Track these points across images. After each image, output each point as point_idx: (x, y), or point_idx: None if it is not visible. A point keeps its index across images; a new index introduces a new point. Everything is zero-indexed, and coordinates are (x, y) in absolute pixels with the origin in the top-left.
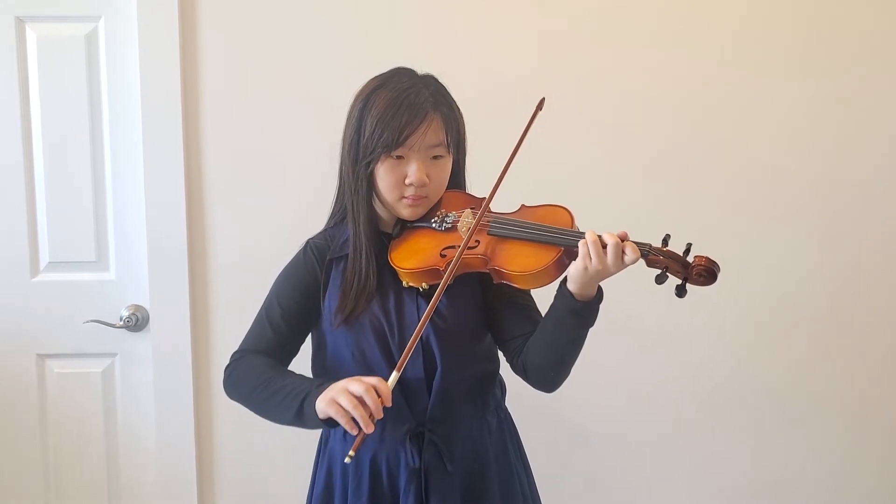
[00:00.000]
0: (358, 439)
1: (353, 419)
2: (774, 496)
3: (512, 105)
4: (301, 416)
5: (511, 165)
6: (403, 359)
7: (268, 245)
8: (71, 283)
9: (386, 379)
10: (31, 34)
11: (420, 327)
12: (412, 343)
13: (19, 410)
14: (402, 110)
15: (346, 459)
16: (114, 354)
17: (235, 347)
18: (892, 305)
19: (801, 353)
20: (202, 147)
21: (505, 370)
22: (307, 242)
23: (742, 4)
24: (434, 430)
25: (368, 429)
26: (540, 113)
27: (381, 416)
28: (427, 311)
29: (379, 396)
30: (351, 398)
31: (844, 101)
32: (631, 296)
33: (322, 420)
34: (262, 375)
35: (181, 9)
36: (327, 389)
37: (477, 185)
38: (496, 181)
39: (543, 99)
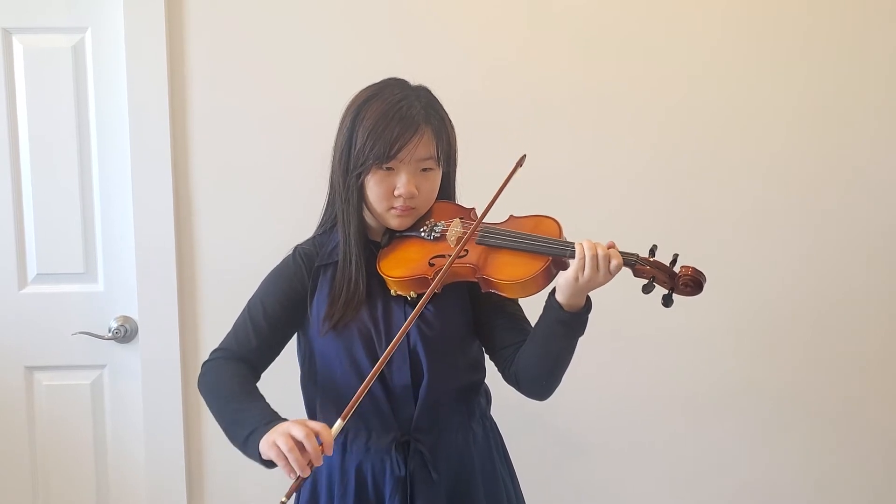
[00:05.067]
0: (293, 485)
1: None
2: (762, 502)
3: (501, 113)
4: (246, 448)
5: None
6: (350, 407)
7: (256, 255)
8: (59, 294)
9: (331, 426)
10: (17, 45)
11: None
12: (372, 377)
13: (7, 423)
14: (394, 123)
15: None
16: (102, 366)
17: None
18: (877, 310)
19: (788, 359)
20: (190, 158)
21: (492, 379)
22: (295, 248)
23: (727, 14)
24: (420, 438)
25: (304, 473)
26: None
27: (321, 463)
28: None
29: (320, 444)
30: (290, 441)
31: (829, 108)
32: (618, 304)
33: (264, 460)
34: (228, 391)
35: (168, 19)
36: (272, 430)
37: (465, 194)
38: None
39: (524, 156)
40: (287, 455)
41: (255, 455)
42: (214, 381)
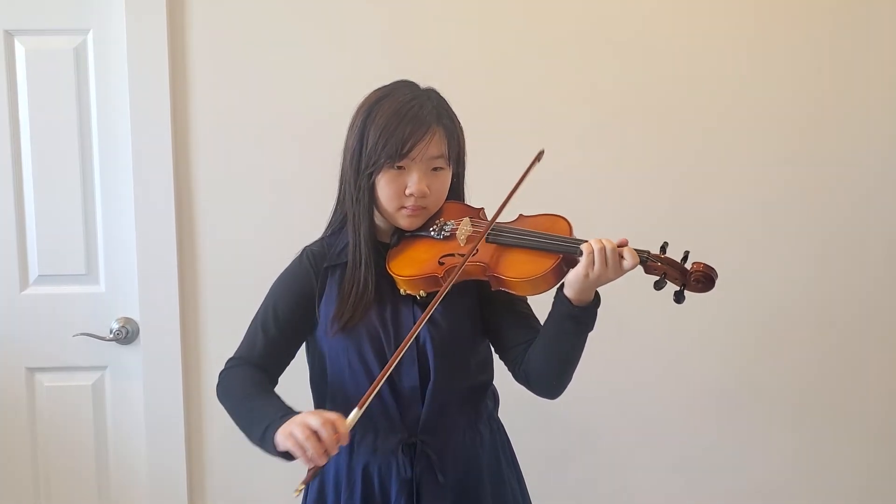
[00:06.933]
0: (309, 473)
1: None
2: (763, 501)
3: (500, 113)
4: (264, 443)
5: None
6: (367, 397)
7: (258, 257)
8: (60, 296)
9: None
10: (19, 47)
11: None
12: (389, 366)
13: (9, 424)
14: (406, 122)
15: (295, 493)
16: (104, 367)
17: (224, 359)
18: (885, 310)
19: (794, 359)
20: (191, 159)
21: (501, 380)
22: (304, 249)
23: (727, 14)
24: (426, 440)
25: (321, 461)
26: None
27: (336, 452)
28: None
29: (336, 433)
30: (306, 431)
31: (839, 108)
32: (625, 302)
33: (280, 452)
34: (244, 392)
35: (170, 21)
36: (287, 422)
37: (473, 198)
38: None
39: (542, 151)
40: (304, 444)
41: (272, 448)
42: (229, 386)
